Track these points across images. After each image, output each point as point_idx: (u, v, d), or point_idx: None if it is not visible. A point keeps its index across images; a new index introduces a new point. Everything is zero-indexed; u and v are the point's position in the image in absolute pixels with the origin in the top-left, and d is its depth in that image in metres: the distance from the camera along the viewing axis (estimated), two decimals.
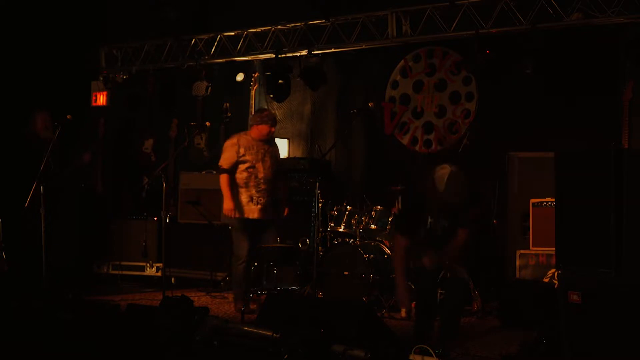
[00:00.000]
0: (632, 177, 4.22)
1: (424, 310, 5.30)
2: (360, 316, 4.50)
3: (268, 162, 6.64)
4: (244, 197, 6.56)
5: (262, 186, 6.58)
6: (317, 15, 7.99)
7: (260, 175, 6.58)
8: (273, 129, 6.68)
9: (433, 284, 5.35)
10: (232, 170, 6.58)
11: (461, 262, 5.23)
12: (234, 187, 6.57)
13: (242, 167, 6.57)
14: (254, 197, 6.56)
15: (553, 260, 5.96)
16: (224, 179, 6.57)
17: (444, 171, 4.97)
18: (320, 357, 3.79)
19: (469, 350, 5.07)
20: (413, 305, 6.15)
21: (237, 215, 6.52)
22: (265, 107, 8.82)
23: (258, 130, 6.64)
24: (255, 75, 8.54)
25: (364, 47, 7.89)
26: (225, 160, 6.60)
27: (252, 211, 6.57)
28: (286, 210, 6.85)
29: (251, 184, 6.56)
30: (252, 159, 6.57)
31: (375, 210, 6.94)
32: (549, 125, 7.08)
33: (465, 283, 5.39)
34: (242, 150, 6.57)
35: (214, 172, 8.48)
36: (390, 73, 8.24)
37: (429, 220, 5.12)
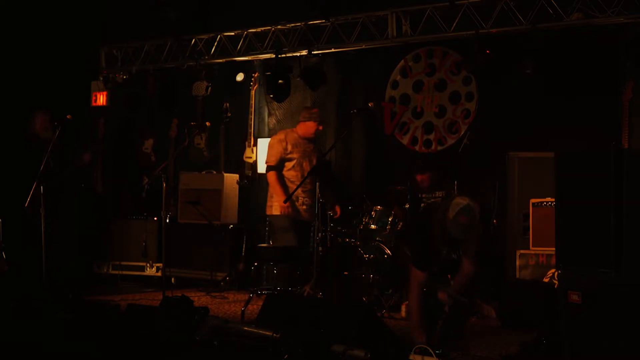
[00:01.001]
0: (632, 177, 4.22)
1: (424, 313, 5.30)
2: (360, 316, 4.50)
3: (314, 162, 6.57)
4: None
5: (308, 186, 6.50)
6: (317, 15, 7.99)
7: (307, 174, 6.50)
8: (320, 127, 6.60)
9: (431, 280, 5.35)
10: (279, 167, 6.48)
11: (467, 292, 5.22)
12: (283, 184, 6.45)
13: (288, 164, 6.50)
14: (300, 197, 6.49)
15: (553, 260, 5.97)
16: (272, 176, 6.47)
17: (460, 201, 4.83)
18: (320, 357, 3.79)
19: (469, 350, 5.06)
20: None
21: (288, 212, 6.40)
22: (266, 106, 8.85)
23: (305, 127, 6.57)
24: (255, 75, 8.55)
25: (364, 47, 7.89)
26: (272, 157, 6.51)
27: (298, 211, 6.50)
28: (338, 210, 6.76)
29: (298, 182, 6.47)
30: (298, 156, 6.50)
31: (375, 210, 6.94)
32: (549, 125, 7.08)
33: (472, 304, 5.37)
34: (289, 147, 6.49)
35: (214, 172, 8.50)
36: (390, 73, 8.24)
37: (443, 251, 5.05)
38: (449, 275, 5.28)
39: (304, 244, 6.67)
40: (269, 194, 6.66)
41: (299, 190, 6.50)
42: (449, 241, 4.98)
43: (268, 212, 6.66)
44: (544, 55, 6.71)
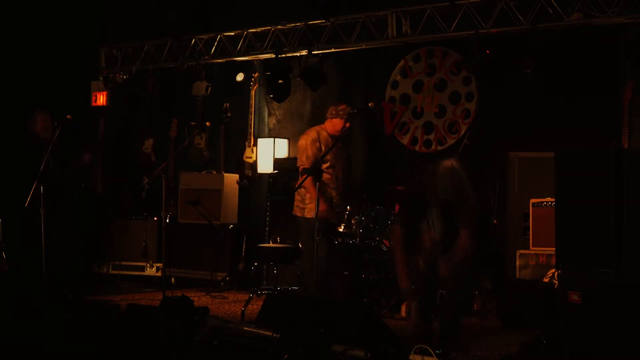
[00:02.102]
0: (632, 177, 4.22)
1: (422, 312, 5.31)
2: (360, 316, 4.49)
3: (345, 164, 6.42)
4: (326, 199, 6.16)
5: (341, 188, 6.33)
6: (317, 15, 7.99)
7: (341, 176, 6.35)
8: (348, 125, 6.32)
9: (430, 285, 5.35)
10: (315, 170, 6.09)
11: (467, 267, 5.22)
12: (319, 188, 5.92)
13: (323, 166, 6.20)
14: (335, 200, 6.29)
15: (553, 260, 5.96)
16: (309, 180, 5.94)
17: (445, 164, 5.00)
18: (320, 357, 3.79)
19: (469, 350, 5.07)
20: (412, 305, 6.15)
21: (324, 216, 6.01)
22: (266, 106, 8.84)
23: (332, 125, 6.34)
24: (255, 75, 8.54)
25: (364, 47, 7.89)
26: (308, 159, 6.18)
27: (333, 215, 6.28)
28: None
29: (332, 185, 6.31)
30: (332, 157, 6.24)
31: (375, 210, 6.94)
32: (549, 125, 7.08)
33: (467, 286, 5.36)
34: (324, 148, 6.22)
35: (214, 172, 8.50)
36: (390, 73, 8.23)
37: (431, 216, 5.11)
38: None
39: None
40: (299, 195, 6.33)
41: (334, 193, 6.33)
42: (439, 205, 5.09)
43: (299, 214, 6.34)
44: (544, 55, 6.71)
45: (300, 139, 6.48)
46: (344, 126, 6.36)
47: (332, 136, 6.38)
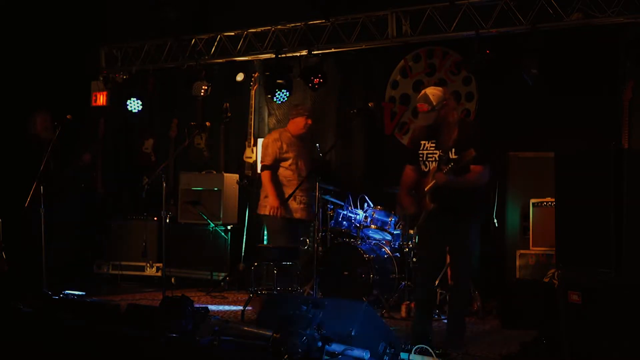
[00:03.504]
0: (632, 177, 4.22)
1: (422, 308, 5.31)
2: (360, 316, 4.49)
3: (308, 161, 6.59)
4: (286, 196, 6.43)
5: (305, 184, 6.50)
6: (317, 15, 7.99)
7: (303, 173, 6.51)
8: (309, 121, 6.58)
9: (430, 279, 5.36)
10: (274, 167, 6.47)
11: (474, 214, 5.22)
12: (277, 185, 6.46)
13: (284, 164, 6.48)
14: (297, 196, 6.46)
15: (553, 260, 5.97)
16: (266, 175, 6.46)
17: (422, 91, 5.19)
18: (320, 357, 3.79)
19: (469, 350, 5.06)
20: (412, 305, 6.16)
21: (281, 214, 6.42)
22: (266, 106, 8.84)
23: (295, 124, 6.57)
24: (255, 75, 8.55)
25: (364, 47, 7.89)
26: (267, 156, 6.49)
27: (295, 210, 6.49)
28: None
29: (294, 182, 6.47)
30: (294, 155, 6.49)
31: (375, 210, 6.94)
32: (549, 125, 7.08)
33: (468, 286, 5.35)
34: (284, 147, 6.47)
35: (214, 172, 8.50)
36: (390, 73, 8.24)
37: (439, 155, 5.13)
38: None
39: (297, 243, 6.66)
40: (262, 193, 6.63)
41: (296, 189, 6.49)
42: (425, 134, 5.22)
43: (261, 212, 6.62)
44: (544, 55, 6.71)
45: (263, 140, 6.69)
46: (306, 123, 6.57)
47: (295, 136, 6.59)
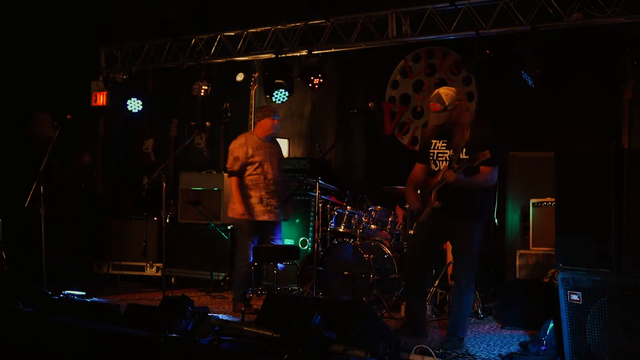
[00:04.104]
0: (632, 177, 4.22)
1: (413, 288, 5.38)
2: (360, 316, 4.50)
3: (275, 163, 6.61)
4: (253, 199, 6.50)
5: (272, 187, 6.54)
6: (317, 15, 7.99)
7: (270, 176, 6.54)
8: (276, 121, 6.60)
9: (417, 269, 5.40)
10: (241, 172, 6.51)
11: (479, 215, 5.22)
12: (242, 188, 6.51)
13: (250, 168, 6.50)
14: (264, 199, 6.51)
15: (553, 260, 5.96)
16: (233, 182, 6.50)
17: (435, 92, 5.18)
18: (320, 357, 3.79)
19: (469, 350, 5.07)
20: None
21: (246, 217, 6.48)
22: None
23: (261, 126, 6.59)
24: (255, 75, 8.54)
25: (364, 47, 7.89)
26: (234, 163, 6.52)
27: (262, 213, 6.53)
28: (290, 211, 6.88)
29: (261, 185, 6.51)
30: (260, 159, 6.51)
31: (375, 210, 6.94)
32: (549, 125, 7.08)
33: (470, 287, 5.34)
34: (250, 151, 6.50)
35: (214, 172, 8.50)
36: (390, 73, 8.24)
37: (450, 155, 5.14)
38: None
39: (269, 242, 6.68)
40: (231, 198, 6.65)
41: (263, 192, 6.51)
42: (437, 133, 5.23)
43: (230, 215, 6.68)
44: (544, 55, 6.71)
45: (230, 145, 6.68)
46: (273, 123, 6.59)
47: (262, 138, 6.61)
